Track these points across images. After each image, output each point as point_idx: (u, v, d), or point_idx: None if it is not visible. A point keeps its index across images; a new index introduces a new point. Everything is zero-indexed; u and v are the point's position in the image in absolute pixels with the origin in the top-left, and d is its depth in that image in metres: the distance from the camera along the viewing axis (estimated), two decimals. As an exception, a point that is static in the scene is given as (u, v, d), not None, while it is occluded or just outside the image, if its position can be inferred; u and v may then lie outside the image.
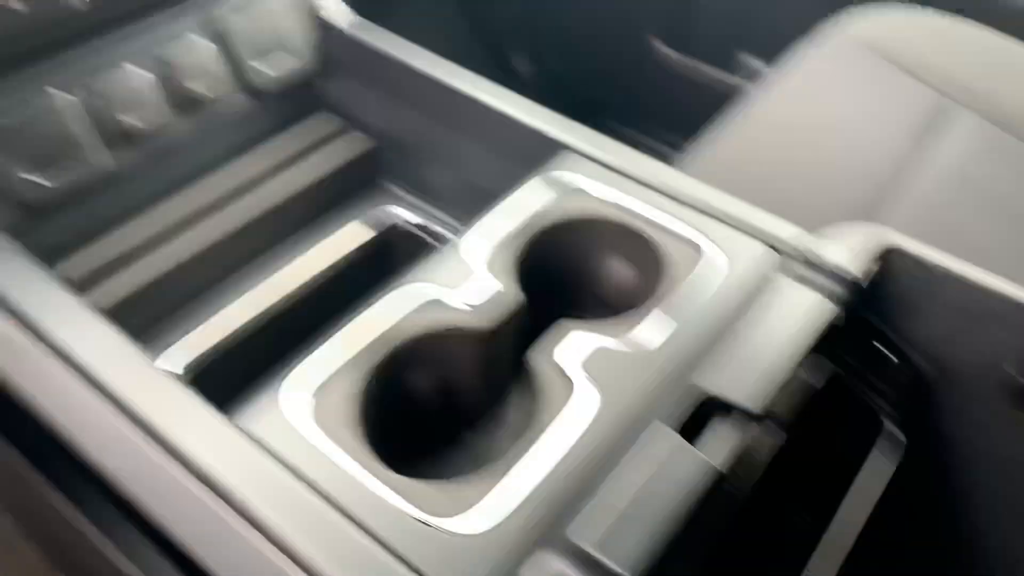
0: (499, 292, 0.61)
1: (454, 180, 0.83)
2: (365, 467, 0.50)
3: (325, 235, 0.81)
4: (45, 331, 0.55)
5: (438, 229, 0.83)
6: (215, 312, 0.74)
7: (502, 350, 0.62)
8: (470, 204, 0.73)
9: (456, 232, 0.73)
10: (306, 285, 0.76)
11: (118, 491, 0.51)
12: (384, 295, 0.59)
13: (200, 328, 0.73)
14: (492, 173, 0.74)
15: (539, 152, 0.71)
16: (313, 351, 0.55)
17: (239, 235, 0.76)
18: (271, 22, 0.79)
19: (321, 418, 0.52)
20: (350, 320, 0.57)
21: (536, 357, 0.58)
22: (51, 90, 0.67)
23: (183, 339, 0.72)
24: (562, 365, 0.57)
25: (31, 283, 0.58)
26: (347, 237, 0.81)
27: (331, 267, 0.79)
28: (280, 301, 0.74)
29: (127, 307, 0.71)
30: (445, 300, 0.60)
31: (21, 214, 0.65)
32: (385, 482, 0.50)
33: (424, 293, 0.60)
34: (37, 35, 0.67)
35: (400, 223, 0.85)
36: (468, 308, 0.59)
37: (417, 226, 0.84)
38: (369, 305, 0.58)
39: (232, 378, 0.55)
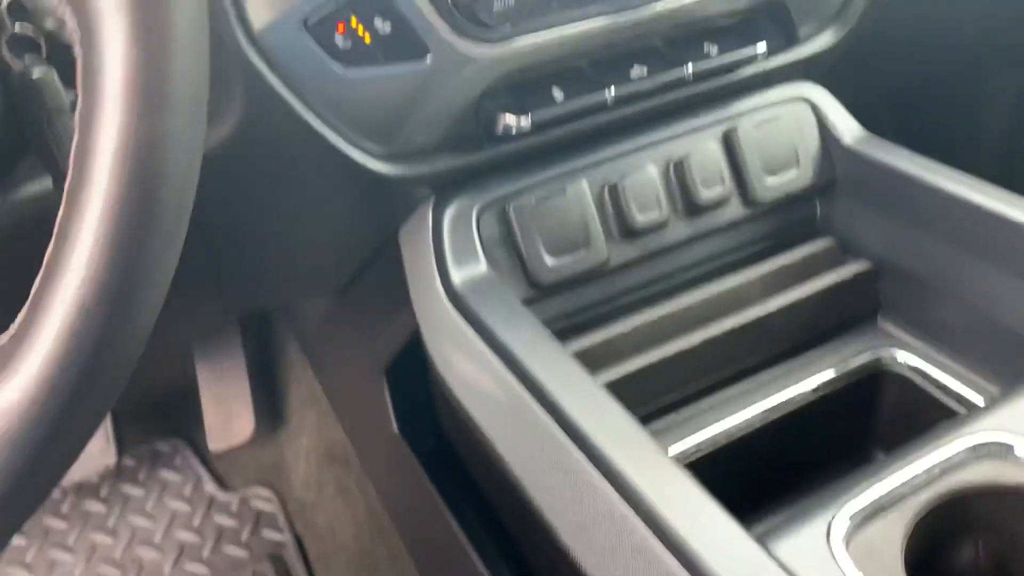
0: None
1: (975, 322, 0.69)
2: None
3: (806, 366, 0.74)
4: (555, 401, 0.55)
5: (947, 380, 0.69)
6: (697, 413, 0.71)
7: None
8: (994, 353, 0.67)
9: (974, 386, 0.67)
10: (779, 410, 0.71)
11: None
12: (938, 434, 0.50)
13: (680, 426, 0.70)
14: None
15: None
16: (856, 490, 0.47)
17: (719, 347, 0.72)
18: (784, 138, 0.78)
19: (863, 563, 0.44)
20: (897, 460, 0.49)
21: None
22: (582, 181, 0.70)
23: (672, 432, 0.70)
24: None
25: (544, 353, 0.59)
26: (829, 373, 0.72)
27: (808, 402, 0.72)
28: (756, 418, 0.70)
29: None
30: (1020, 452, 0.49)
31: (533, 292, 0.69)
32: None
33: (991, 438, 0.50)
34: (574, 125, 0.70)
35: (895, 367, 0.73)
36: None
37: (916, 372, 0.71)
38: (919, 446, 0.49)
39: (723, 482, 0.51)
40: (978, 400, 0.66)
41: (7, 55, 0.48)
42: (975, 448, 0.48)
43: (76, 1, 0.30)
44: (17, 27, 0.48)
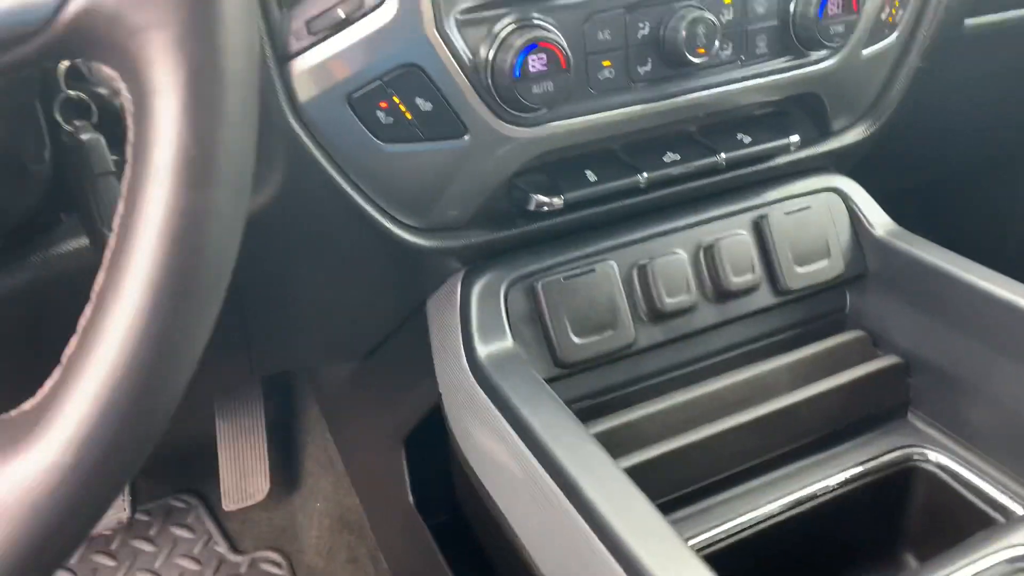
0: None
1: (1009, 423, 0.68)
2: None
3: (833, 459, 0.72)
4: (574, 484, 0.53)
5: (980, 483, 0.67)
6: (720, 503, 0.69)
7: None
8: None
9: (1008, 491, 0.64)
10: (804, 504, 0.69)
11: None
12: (974, 543, 0.47)
13: (701, 515, 0.68)
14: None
15: None
16: None
17: (744, 436, 0.70)
18: (814, 228, 0.77)
19: None
20: (932, 569, 0.47)
21: None
22: (611, 261, 0.70)
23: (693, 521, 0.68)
24: None
25: (566, 434, 0.57)
26: (857, 468, 0.70)
27: (834, 497, 0.69)
28: (780, 511, 0.68)
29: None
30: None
31: (558, 370, 0.68)
32: None
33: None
34: (606, 206, 0.70)
35: (926, 466, 0.71)
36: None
37: (948, 472, 0.69)
38: (955, 556, 0.47)
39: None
40: (1014, 507, 0.64)
41: (59, 117, 0.49)
42: (1013, 560, 0.46)
43: (132, 77, 0.31)
44: (72, 91, 0.50)
